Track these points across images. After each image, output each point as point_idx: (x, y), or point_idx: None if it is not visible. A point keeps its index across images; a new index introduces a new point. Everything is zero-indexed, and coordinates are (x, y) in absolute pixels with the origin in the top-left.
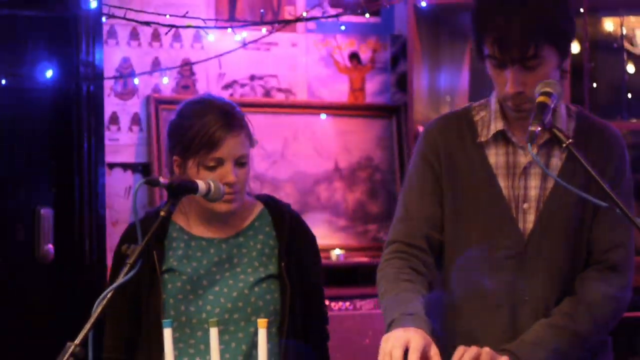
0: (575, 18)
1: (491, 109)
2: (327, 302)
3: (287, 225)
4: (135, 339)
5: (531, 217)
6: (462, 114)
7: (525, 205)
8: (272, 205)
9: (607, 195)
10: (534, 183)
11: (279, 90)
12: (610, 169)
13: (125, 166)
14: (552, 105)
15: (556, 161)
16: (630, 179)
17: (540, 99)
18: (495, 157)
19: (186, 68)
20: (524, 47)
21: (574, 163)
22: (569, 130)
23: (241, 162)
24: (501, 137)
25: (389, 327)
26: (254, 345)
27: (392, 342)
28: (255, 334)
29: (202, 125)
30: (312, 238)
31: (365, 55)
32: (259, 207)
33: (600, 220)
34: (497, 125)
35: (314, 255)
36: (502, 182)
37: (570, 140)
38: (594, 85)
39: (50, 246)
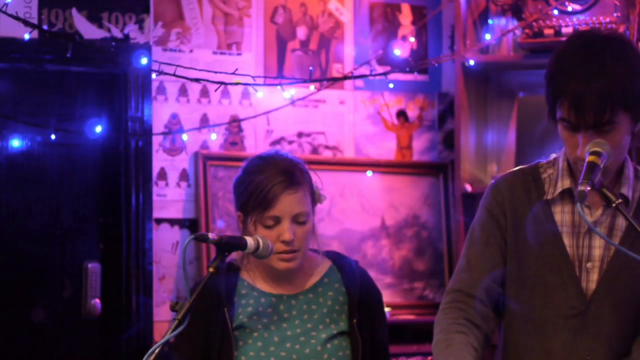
0: None
1: (559, 166)
2: None
3: (357, 282)
4: None
5: (594, 277)
6: (529, 171)
7: (589, 265)
8: (341, 261)
9: None
10: (598, 242)
11: (327, 147)
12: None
13: (172, 222)
14: (602, 165)
15: (621, 221)
16: None
17: (590, 158)
18: (561, 215)
19: (234, 124)
20: (599, 113)
21: (638, 223)
22: (636, 192)
23: (300, 221)
24: (567, 196)
25: None
26: None
27: None
28: None
29: (259, 183)
30: (380, 294)
31: (412, 113)
32: (327, 263)
33: None
34: (564, 183)
35: (381, 312)
36: (566, 241)
37: (620, 200)
38: None
39: (98, 301)
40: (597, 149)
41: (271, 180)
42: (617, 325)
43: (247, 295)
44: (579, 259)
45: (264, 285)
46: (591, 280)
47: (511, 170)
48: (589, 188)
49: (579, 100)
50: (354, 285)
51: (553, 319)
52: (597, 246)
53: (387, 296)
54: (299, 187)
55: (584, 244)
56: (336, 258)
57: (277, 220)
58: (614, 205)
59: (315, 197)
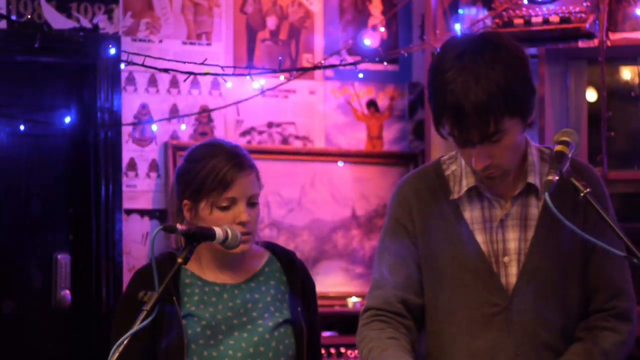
0: (589, 66)
1: (461, 162)
2: (343, 350)
3: (299, 272)
4: None
5: (513, 270)
6: (431, 169)
7: (506, 259)
8: (280, 252)
9: (611, 240)
10: (512, 235)
11: (297, 137)
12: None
13: (142, 212)
14: (570, 154)
15: (533, 210)
16: (613, 215)
17: (559, 148)
18: (470, 212)
19: (204, 115)
20: (483, 127)
21: (550, 213)
22: (543, 175)
23: (253, 202)
24: (474, 193)
25: None
26: None
27: None
28: None
29: (214, 166)
30: (314, 285)
31: (382, 103)
32: (265, 253)
33: (599, 266)
34: (468, 181)
35: (316, 302)
36: (479, 238)
37: (589, 190)
38: (612, 134)
39: (67, 292)
40: (565, 138)
41: (226, 162)
42: (542, 317)
43: (191, 284)
44: (495, 255)
45: (207, 275)
46: (510, 274)
47: (413, 171)
48: (557, 177)
49: (459, 118)
50: (296, 276)
51: (477, 319)
52: (512, 239)
53: (357, 286)
54: (252, 169)
55: (497, 239)
56: (274, 248)
57: (234, 202)
58: (582, 194)
59: (260, 184)
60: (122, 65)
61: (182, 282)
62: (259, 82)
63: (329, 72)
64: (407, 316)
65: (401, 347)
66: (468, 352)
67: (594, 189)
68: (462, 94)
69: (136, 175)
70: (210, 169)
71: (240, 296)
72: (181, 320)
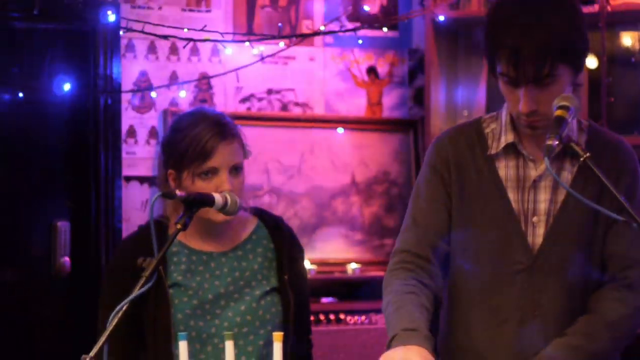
0: (590, 32)
1: (502, 121)
2: (342, 316)
3: (286, 238)
4: (137, 356)
5: (541, 231)
6: (472, 126)
7: (535, 219)
8: (267, 218)
9: (623, 209)
10: (543, 196)
11: (296, 104)
12: (622, 184)
13: (142, 179)
14: (570, 119)
15: (567, 175)
16: None
17: (558, 112)
18: (505, 169)
19: (204, 82)
20: (538, 66)
21: (585, 177)
22: (580, 144)
23: (236, 170)
24: (511, 150)
25: (390, 343)
26: (262, 357)
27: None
28: (264, 346)
29: (195, 135)
30: (303, 251)
31: (382, 69)
32: (254, 220)
33: (616, 236)
34: (507, 137)
35: (304, 269)
36: (511, 195)
37: (588, 155)
38: (612, 100)
39: (67, 259)
40: (565, 102)
41: (207, 131)
42: (564, 280)
43: (178, 253)
44: (525, 214)
45: (194, 243)
46: (537, 235)
47: (454, 126)
48: (557, 142)
49: (517, 54)
50: (283, 243)
51: (500, 275)
52: (543, 200)
53: (357, 253)
54: (235, 138)
55: (529, 199)
56: (262, 215)
57: (215, 172)
58: (582, 159)
59: (244, 153)
60: (122, 32)
61: (169, 251)
62: (259, 49)
63: (329, 39)
64: (434, 261)
65: (417, 305)
66: (488, 306)
67: (623, 164)
68: (523, 32)
69: (135, 142)
70: (192, 139)
71: (227, 264)
72: (167, 289)
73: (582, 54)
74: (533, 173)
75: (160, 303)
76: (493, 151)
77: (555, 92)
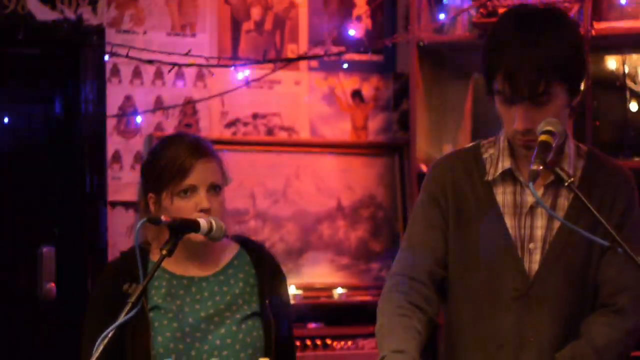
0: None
1: (500, 146)
2: (329, 342)
3: (267, 264)
4: None
5: (537, 257)
6: (470, 151)
7: (531, 245)
8: (249, 245)
9: (613, 236)
10: (540, 223)
11: (282, 128)
12: (618, 208)
13: (127, 204)
14: (554, 145)
15: (563, 201)
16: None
17: (542, 137)
18: (503, 195)
19: (189, 106)
20: (534, 84)
21: (581, 203)
22: (577, 170)
23: (214, 188)
24: (509, 176)
25: None
26: None
27: None
28: None
29: (172, 155)
30: (285, 278)
31: (367, 93)
32: (235, 246)
33: (608, 262)
34: (504, 163)
35: (287, 296)
36: (508, 222)
37: (572, 179)
38: (597, 123)
39: (53, 285)
40: (549, 127)
41: (184, 150)
42: (560, 306)
43: (158, 277)
44: (521, 240)
45: (175, 268)
46: (534, 261)
47: (452, 151)
48: (541, 167)
49: (513, 72)
50: (265, 268)
51: (497, 301)
52: (539, 226)
53: (343, 277)
54: (212, 158)
55: (525, 225)
56: (244, 241)
57: (194, 189)
58: (566, 184)
59: (224, 178)
60: (107, 57)
61: (148, 275)
62: (244, 73)
63: (314, 63)
64: (430, 286)
65: (409, 328)
66: (485, 332)
67: (620, 188)
68: (519, 51)
69: (121, 167)
70: (169, 159)
71: (208, 289)
72: (147, 312)
73: (579, 76)
74: (530, 199)
75: (140, 326)
76: (490, 177)
77: (551, 112)
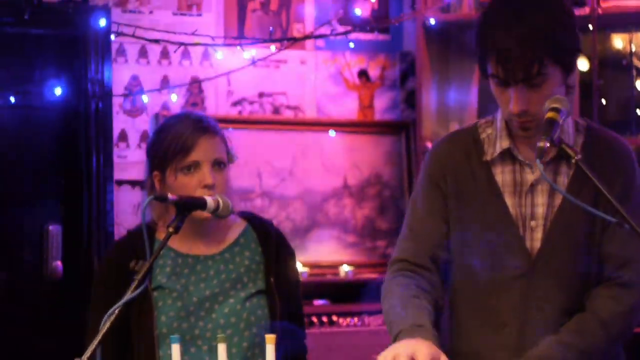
0: (581, 35)
1: (497, 126)
2: (335, 318)
3: (273, 241)
4: (124, 358)
5: (539, 235)
6: (468, 132)
7: (533, 223)
8: (256, 222)
9: (617, 210)
10: (541, 200)
11: (288, 107)
12: (619, 182)
13: (133, 183)
14: (561, 122)
15: (563, 178)
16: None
17: (549, 115)
18: (502, 175)
19: (195, 86)
20: (527, 66)
21: (581, 179)
22: (577, 145)
23: (219, 165)
24: (507, 155)
25: (395, 339)
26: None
27: (397, 350)
28: (249, 348)
29: (176, 132)
30: (294, 254)
31: (374, 72)
32: (242, 223)
33: (611, 236)
34: (502, 143)
35: (295, 272)
36: (508, 200)
37: (579, 157)
38: (603, 102)
39: (59, 263)
40: (556, 105)
41: (188, 127)
42: (563, 282)
43: (164, 256)
44: (523, 218)
45: (181, 246)
46: (536, 239)
47: (450, 132)
48: (547, 144)
49: (505, 54)
50: (270, 245)
51: (500, 281)
52: (540, 204)
53: (349, 255)
54: (216, 134)
55: (526, 203)
56: (251, 218)
57: (197, 166)
58: (573, 161)
59: (229, 155)
60: (113, 37)
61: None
62: (250, 53)
63: (320, 42)
64: (434, 270)
65: (422, 307)
66: (488, 311)
67: (620, 162)
68: (506, 31)
69: (127, 146)
70: (173, 135)
71: (213, 267)
72: (151, 292)
73: (572, 53)
74: (530, 177)
75: (144, 305)
76: (489, 157)
77: (546, 92)
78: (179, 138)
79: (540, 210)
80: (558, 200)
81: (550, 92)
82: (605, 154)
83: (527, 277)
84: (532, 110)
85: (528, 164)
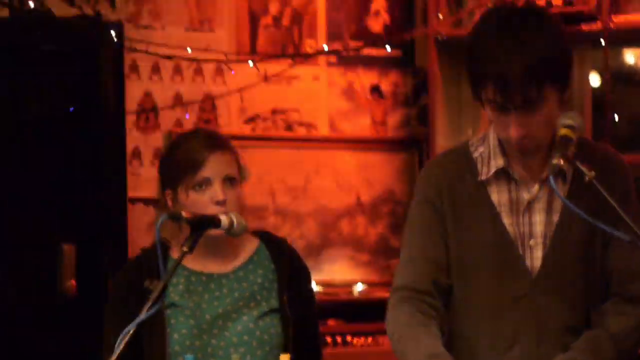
0: (593, 50)
1: (490, 144)
2: (349, 338)
3: (287, 259)
4: None
5: (538, 254)
6: (460, 151)
7: (532, 242)
8: (270, 239)
9: (625, 225)
10: (538, 218)
11: (301, 124)
12: (615, 195)
13: (146, 201)
14: (575, 139)
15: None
16: (637, 202)
17: (563, 131)
18: (498, 194)
19: (208, 102)
20: (526, 92)
21: (578, 196)
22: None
23: (230, 181)
24: (502, 174)
25: None
26: None
27: None
28: None
29: (186, 149)
30: (308, 272)
31: (386, 88)
32: (255, 241)
33: (616, 251)
34: (497, 162)
35: (310, 290)
36: (506, 220)
37: (593, 174)
38: (615, 117)
39: (73, 281)
40: (569, 122)
41: (198, 143)
42: (566, 300)
43: (177, 274)
44: (521, 237)
45: (194, 264)
46: (535, 258)
47: (442, 152)
48: (562, 162)
49: (503, 81)
50: (284, 263)
51: (501, 301)
52: (538, 222)
53: (362, 274)
54: (227, 150)
55: (524, 222)
56: (265, 236)
57: (208, 182)
58: (587, 179)
59: (241, 172)
60: (125, 52)
61: (168, 272)
62: (262, 69)
63: (332, 58)
64: (436, 296)
65: (432, 335)
66: (493, 333)
67: (614, 175)
68: (506, 59)
69: (140, 163)
70: (184, 153)
71: (227, 286)
72: (164, 309)
73: (568, 72)
74: (526, 196)
75: (156, 324)
76: (484, 177)
77: (545, 115)
78: (189, 155)
79: (538, 229)
80: (556, 217)
81: (549, 113)
82: (600, 168)
83: (530, 296)
84: (531, 134)
85: (523, 182)
